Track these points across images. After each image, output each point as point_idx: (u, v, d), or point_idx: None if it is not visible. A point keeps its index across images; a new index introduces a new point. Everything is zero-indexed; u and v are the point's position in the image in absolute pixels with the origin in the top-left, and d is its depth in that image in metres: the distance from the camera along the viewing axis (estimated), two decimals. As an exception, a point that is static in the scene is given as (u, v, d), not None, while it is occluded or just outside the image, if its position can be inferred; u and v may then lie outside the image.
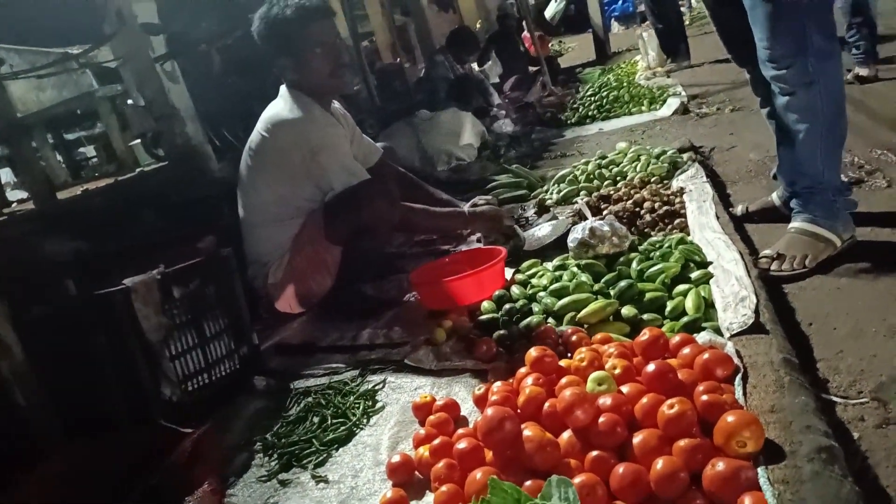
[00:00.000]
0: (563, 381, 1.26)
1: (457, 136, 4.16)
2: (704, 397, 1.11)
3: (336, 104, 2.43)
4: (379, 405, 1.64)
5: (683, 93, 4.40)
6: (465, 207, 2.46)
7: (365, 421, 1.58)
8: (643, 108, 4.38)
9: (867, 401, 1.20)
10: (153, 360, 1.70)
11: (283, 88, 2.25)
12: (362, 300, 2.23)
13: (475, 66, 5.93)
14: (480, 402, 1.43)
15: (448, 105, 4.52)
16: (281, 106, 2.22)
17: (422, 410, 1.50)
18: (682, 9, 10.08)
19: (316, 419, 1.63)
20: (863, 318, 1.46)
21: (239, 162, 2.38)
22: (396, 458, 1.32)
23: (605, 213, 2.28)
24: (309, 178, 2.18)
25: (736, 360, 1.25)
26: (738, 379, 1.19)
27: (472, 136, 4.21)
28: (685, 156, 2.79)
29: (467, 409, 1.50)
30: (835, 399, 1.22)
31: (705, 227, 1.95)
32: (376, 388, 1.70)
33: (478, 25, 10.38)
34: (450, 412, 1.45)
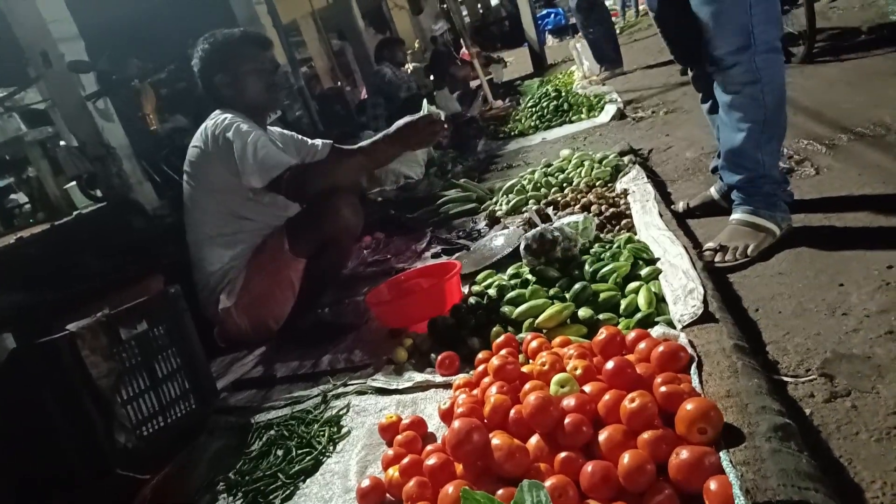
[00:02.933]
0: (527, 386, 1.27)
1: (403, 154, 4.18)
2: (663, 388, 1.13)
3: (272, 128, 2.46)
4: (344, 430, 1.61)
5: (619, 99, 4.55)
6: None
7: (331, 448, 1.55)
8: (583, 115, 4.50)
9: (815, 378, 1.24)
10: (105, 407, 1.63)
11: (217, 111, 2.27)
12: (320, 326, 2.20)
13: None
14: (447, 416, 1.42)
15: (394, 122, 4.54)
16: (211, 118, 2.25)
17: (388, 431, 1.48)
18: (614, 18, 10.45)
19: (280, 452, 1.58)
20: (805, 300, 1.53)
21: (180, 198, 2.36)
22: (366, 483, 1.29)
23: (555, 218, 2.32)
24: (234, 177, 2.16)
25: (690, 350, 1.28)
26: (693, 368, 1.22)
27: (419, 154, 4.23)
28: (626, 159, 2.88)
29: (434, 424, 1.49)
30: (785, 379, 1.26)
31: (650, 226, 2.01)
32: (340, 413, 1.68)
33: (415, 45, 10.50)
34: (417, 430, 1.44)
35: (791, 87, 3.25)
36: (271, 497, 1.43)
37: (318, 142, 2.61)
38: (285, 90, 4.62)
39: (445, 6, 6.68)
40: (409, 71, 5.99)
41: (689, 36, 1.80)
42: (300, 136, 2.59)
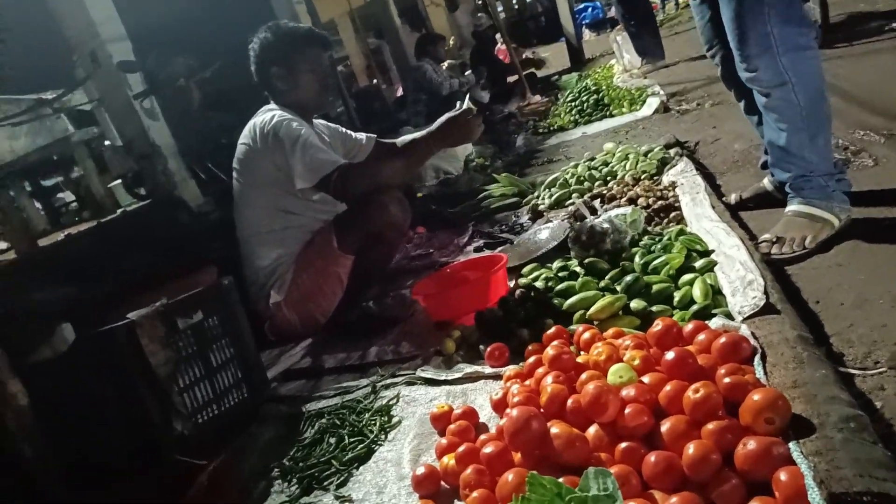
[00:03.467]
0: (584, 376, 1.26)
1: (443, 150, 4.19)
2: (727, 379, 1.11)
3: (318, 121, 2.48)
4: (395, 420, 1.62)
5: (662, 92, 4.47)
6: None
7: (383, 437, 1.57)
8: (624, 109, 4.44)
9: (885, 370, 1.20)
10: (163, 395, 1.67)
11: (265, 107, 2.30)
12: (367, 319, 2.22)
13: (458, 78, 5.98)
14: (499, 406, 1.42)
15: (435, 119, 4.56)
16: (259, 115, 2.27)
17: (440, 421, 1.49)
18: (655, 10, 10.28)
19: (332, 440, 1.60)
20: (867, 291, 1.48)
21: (225, 196, 2.41)
22: (421, 470, 1.30)
23: (601, 210, 2.29)
24: (282, 174, 2.18)
25: (752, 342, 1.25)
26: (756, 359, 1.20)
27: (458, 149, 4.23)
28: (672, 151, 2.83)
29: (485, 415, 1.49)
30: (853, 371, 1.23)
31: (702, 217, 1.97)
32: (391, 403, 1.69)
33: (451, 42, 10.50)
34: (469, 419, 1.44)
35: (838, 78, 3.17)
36: (326, 483, 1.45)
37: (363, 136, 2.63)
38: (336, 92, 4.67)
39: (481, 1, 6.65)
40: (444, 67, 6.00)
41: (719, 32, 1.79)
42: (344, 130, 2.62)
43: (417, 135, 2.30)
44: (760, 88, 1.76)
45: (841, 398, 1.06)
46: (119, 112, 3.77)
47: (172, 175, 3.73)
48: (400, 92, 6.83)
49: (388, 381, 1.79)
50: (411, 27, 9.12)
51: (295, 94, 2.29)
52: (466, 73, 6.42)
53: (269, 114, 2.23)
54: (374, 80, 8.33)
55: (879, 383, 1.18)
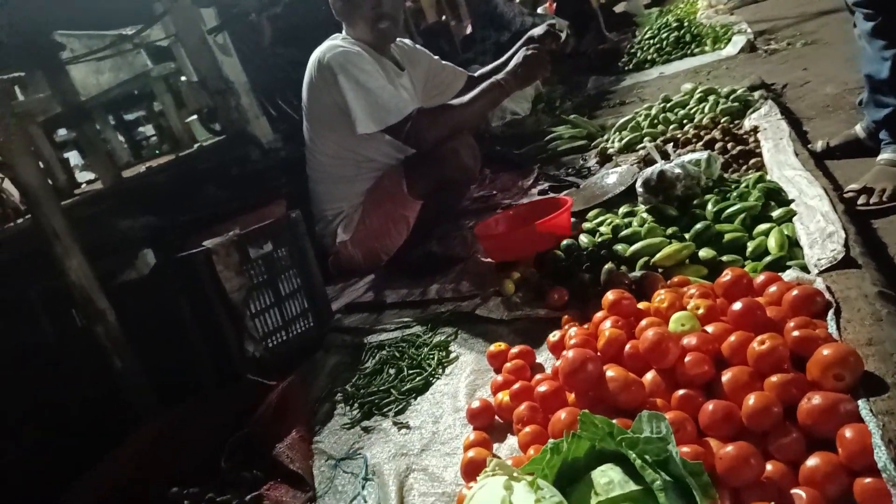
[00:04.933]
0: (644, 322, 1.24)
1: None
2: (796, 333, 1.07)
3: (404, 42, 2.42)
4: (453, 356, 1.66)
5: (749, 30, 4.16)
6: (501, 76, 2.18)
7: (440, 371, 1.61)
8: (706, 48, 4.17)
9: (973, 333, 1.13)
10: (236, 319, 1.77)
11: (331, 37, 2.27)
12: (429, 257, 2.25)
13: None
14: (556, 348, 1.43)
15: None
16: (321, 47, 2.21)
17: (497, 358, 1.51)
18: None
19: (392, 371, 1.67)
20: (963, 250, 1.38)
21: (294, 132, 2.42)
22: (476, 404, 1.34)
23: (674, 155, 2.20)
24: (344, 115, 2.11)
25: (827, 296, 1.20)
26: (830, 314, 1.14)
27: (528, 89, 4.11)
28: (756, 94, 2.66)
29: (542, 356, 1.51)
30: (937, 332, 1.15)
31: (784, 165, 1.86)
32: (449, 339, 1.73)
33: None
34: (525, 359, 1.46)
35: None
36: (385, 410, 1.53)
37: (455, 69, 2.55)
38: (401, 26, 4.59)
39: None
40: (517, 1, 5.76)
41: None
42: (436, 58, 2.53)
43: (494, 77, 2.19)
44: (868, 10, 1.61)
45: (920, 359, 1.00)
46: (194, 47, 3.85)
47: (245, 111, 3.82)
48: (469, 29, 6.64)
49: (448, 317, 1.83)
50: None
51: (360, 25, 2.22)
52: (539, 9, 6.16)
53: (331, 44, 2.17)
54: (444, 17, 8.12)
55: (965, 346, 1.11)
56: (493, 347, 1.54)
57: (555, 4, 6.27)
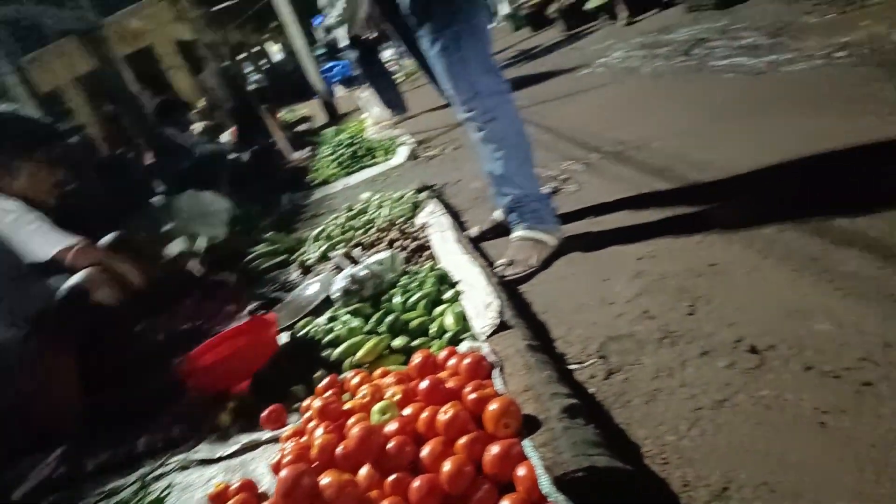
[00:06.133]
0: (350, 421, 1.31)
1: (202, 216, 4.01)
2: (472, 395, 1.25)
3: None
4: (170, 513, 1.51)
5: (411, 140, 4.83)
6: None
7: (158, 535, 1.45)
8: (378, 159, 4.70)
9: (594, 360, 1.46)
10: None
11: None
12: (130, 408, 2.03)
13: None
14: (277, 469, 1.41)
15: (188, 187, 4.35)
16: None
17: (219, 500, 1.42)
18: (395, 67, 11.08)
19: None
20: (581, 297, 1.77)
21: None
22: (201, 559, 1.24)
23: (363, 257, 2.41)
24: None
25: (493, 358, 1.43)
26: (495, 372, 1.36)
27: (219, 213, 4.09)
28: (422, 195, 3.08)
29: (267, 483, 1.46)
30: (571, 367, 1.46)
31: (449, 253, 2.18)
32: (162, 495, 1.57)
33: (200, 104, 10.13)
34: (248, 492, 1.40)
35: (547, 118, 3.75)
36: None
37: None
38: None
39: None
40: (196, 130, 5.77)
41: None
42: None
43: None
44: (476, 125, 2.03)
45: (562, 393, 1.25)
46: None
47: None
48: (152, 160, 6.38)
49: (159, 471, 1.67)
50: (153, 91, 8.61)
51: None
52: (222, 135, 6.25)
53: None
54: (118, 150, 7.67)
55: (591, 372, 1.43)
56: (213, 489, 1.45)
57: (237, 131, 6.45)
